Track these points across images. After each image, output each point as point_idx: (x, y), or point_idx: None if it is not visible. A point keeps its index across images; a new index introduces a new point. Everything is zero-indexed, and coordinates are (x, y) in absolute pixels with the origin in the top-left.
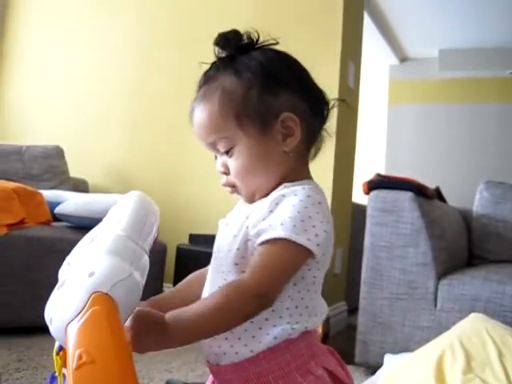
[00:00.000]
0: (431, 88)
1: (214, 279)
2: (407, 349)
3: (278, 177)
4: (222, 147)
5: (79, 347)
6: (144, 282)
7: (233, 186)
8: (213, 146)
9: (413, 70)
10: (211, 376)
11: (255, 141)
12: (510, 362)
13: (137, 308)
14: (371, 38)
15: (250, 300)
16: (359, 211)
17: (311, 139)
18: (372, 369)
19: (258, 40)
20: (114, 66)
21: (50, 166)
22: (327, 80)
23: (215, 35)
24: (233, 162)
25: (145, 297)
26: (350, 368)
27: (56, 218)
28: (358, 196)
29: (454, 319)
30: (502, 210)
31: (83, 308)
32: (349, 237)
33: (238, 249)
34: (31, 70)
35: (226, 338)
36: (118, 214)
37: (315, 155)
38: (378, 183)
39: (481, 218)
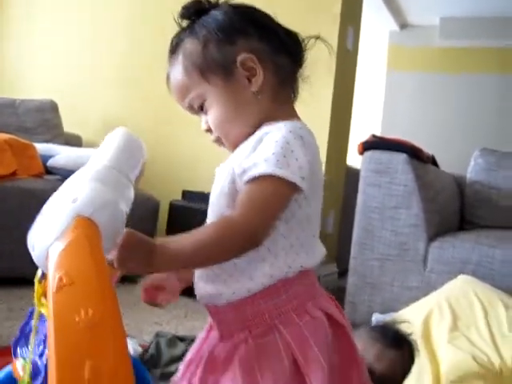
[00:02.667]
0: (430, 56)
1: None
2: (395, 309)
3: (255, 120)
4: (196, 105)
5: (60, 270)
6: (128, 212)
7: (219, 140)
8: (190, 107)
9: (413, 37)
10: (207, 325)
11: (222, 89)
12: (495, 323)
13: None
14: (372, 3)
15: (240, 237)
16: (353, 174)
17: (282, 77)
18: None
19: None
20: (110, 22)
21: (44, 120)
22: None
23: None
24: (209, 116)
25: None
26: None
27: (48, 171)
28: (353, 159)
29: (443, 281)
30: (496, 178)
31: (65, 232)
32: (342, 198)
33: (228, 189)
34: (29, 26)
35: (225, 280)
36: (104, 147)
37: (295, 95)
38: (373, 144)
39: (474, 184)
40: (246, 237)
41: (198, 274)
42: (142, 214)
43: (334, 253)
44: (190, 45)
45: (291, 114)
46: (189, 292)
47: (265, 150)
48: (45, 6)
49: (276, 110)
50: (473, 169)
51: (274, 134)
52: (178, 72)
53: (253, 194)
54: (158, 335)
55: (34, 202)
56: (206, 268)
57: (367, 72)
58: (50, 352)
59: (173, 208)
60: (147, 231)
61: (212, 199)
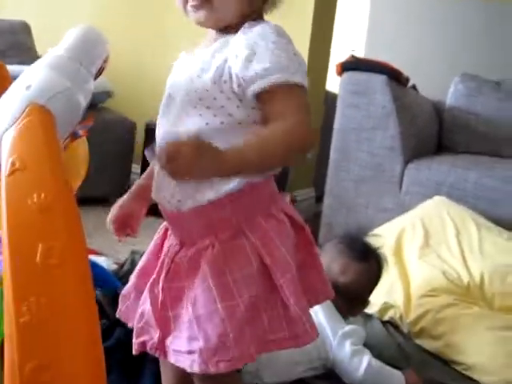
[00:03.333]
0: None
1: (178, 118)
2: (370, 230)
3: (243, 12)
4: None
5: (12, 154)
6: (86, 105)
7: (202, 7)
8: None
9: None
10: (160, 232)
11: None
12: (466, 241)
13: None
14: None
15: (304, 143)
16: (332, 99)
17: None
18: None
19: None
20: None
21: (16, 42)
22: None
23: None
24: None
25: (116, 177)
26: None
27: None
28: (333, 85)
29: (417, 203)
30: (475, 104)
31: (19, 118)
32: (321, 123)
33: (213, 82)
34: None
35: (195, 184)
36: (65, 40)
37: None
38: (352, 64)
39: (453, 109)
40: (308, 141)
41: (163, 179)
42: (118, 136)
43: (311, 177)
44: None
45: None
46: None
47: (274, 55)
48: None
49: (261, 11)
50: (453, 94)
51: (270, 37)
52: None
53: (296, 101)
54: (133, 252)
55: None
56: None
57: None
58: (3, 235)
59: (149, 130)
60: (123, 154)
61: (179, 90)
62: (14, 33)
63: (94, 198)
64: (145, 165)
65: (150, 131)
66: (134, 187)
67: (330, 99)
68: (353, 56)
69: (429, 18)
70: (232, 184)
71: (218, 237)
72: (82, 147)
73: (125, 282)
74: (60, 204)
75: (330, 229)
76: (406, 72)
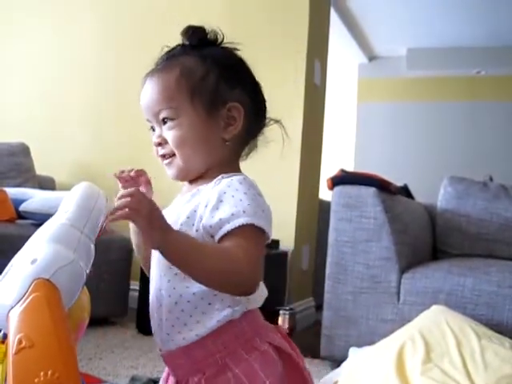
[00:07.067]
0: (400, 86)
1: (161, 270)
2: (371, 342)
3: (211, 162)
4: (163, 116)
5: (19, 332)
6: (88, 269)
7: (171, 156)
8: (156, 115)
9: (381, 69)
10: (165, 372)
11: (200, 118)
12: (467, 351)
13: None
14: (340, 36)
15: (242, 281)
16: (327, 208)
17: (248, 137)
18: (337, 362)
19: (222, 40)
20: (79, 63)
21: (15, 164)
22: (293, 77)
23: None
24: (173, 133)
25: (115, 296)
26: (315, 362)
27: (21, 215)
28: (326, 193)
29: (416, 312)
30: (465, 205)
31: (25, 294)
32: (316, 233)
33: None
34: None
35: (173, 326)
36: (65, 204)
37: (248, 154)
38: (342, 179)
39: (444, 212)
40: (247, 283)
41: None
42: (116, 255)
43: (310, 287)
44: (193, 63)
45: (239, 170)
46: None
47: (239, 203)
48: (10, 46)
49: (232, 162)
50: (442, 197)
51: (238, 186)
52: (167, 79)
53: (253, 245)
54: (133, 379)
55: (6, 248)
56: (163, 314)
57: (338, 105)
58: None
59: None
60: (122, 273)
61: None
62: (13, 155)
63: (93, 318)
64: (143, 281)
65: None
66: None
67: (325, 208)
68: (342, 170)
69: (414, 121)
70: (211, 325)
71: (206, 374)
72: (84, 294)
73: None
74: (67, 382)
75: (331, 341)
76: (395, 178)
